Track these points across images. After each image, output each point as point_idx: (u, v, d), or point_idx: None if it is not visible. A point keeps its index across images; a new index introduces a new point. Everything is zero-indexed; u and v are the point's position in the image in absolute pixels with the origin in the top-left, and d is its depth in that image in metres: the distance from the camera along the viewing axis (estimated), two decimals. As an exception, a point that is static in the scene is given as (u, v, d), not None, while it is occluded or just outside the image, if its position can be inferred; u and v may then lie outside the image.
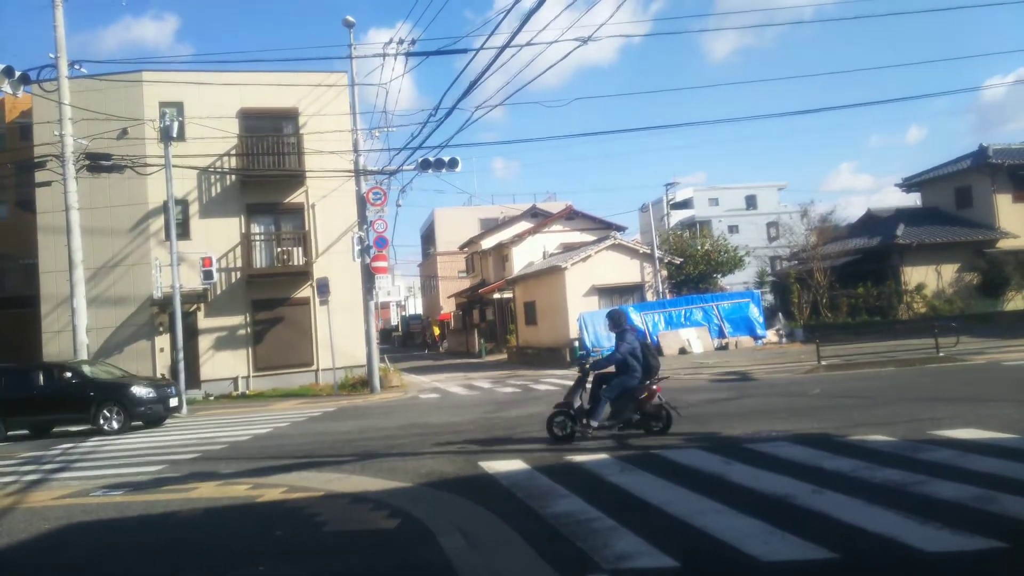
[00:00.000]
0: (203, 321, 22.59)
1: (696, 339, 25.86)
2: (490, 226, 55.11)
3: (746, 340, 26.34)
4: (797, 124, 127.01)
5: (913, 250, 28.60)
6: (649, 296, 27.38)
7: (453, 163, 20.12)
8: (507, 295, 38.97)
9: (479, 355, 37.27)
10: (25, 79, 12.91)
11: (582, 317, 25.33)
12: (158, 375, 21.68)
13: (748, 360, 21.85)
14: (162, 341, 22.33)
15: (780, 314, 28.29)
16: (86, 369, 15.86)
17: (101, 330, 21.75)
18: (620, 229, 41.19)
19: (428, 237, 61.22)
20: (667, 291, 28.41)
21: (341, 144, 22.29)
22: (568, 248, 37.24)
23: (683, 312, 26.40)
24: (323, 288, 21.02)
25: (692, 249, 34.33)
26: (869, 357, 18.28)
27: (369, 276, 20.68)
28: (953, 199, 31.35)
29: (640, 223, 54.78)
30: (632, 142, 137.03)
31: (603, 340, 25.14)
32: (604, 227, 40.19)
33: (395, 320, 76.81)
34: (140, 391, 15.37)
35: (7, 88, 12.69)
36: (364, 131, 21.31)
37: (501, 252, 40.46)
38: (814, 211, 30.21)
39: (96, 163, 18.94)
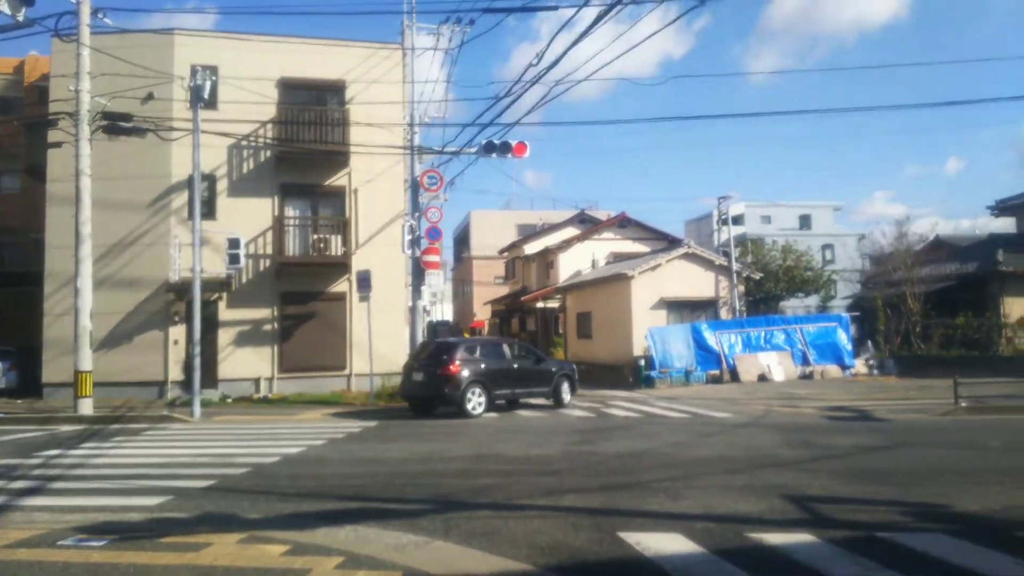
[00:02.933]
0: (224, 312, 19.97)
1: (777, 365, 22.89)
2: (528, 232, 52.44)
3: (832, 369, 23.33)
4: (829, 150, 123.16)
5: (1015, 278, 25.43)
6: (723, 313, 24.46)
7: (521, 147, 17.46)
8: (552, 304, 36.18)
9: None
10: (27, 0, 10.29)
11: (650, 332, 22.47)
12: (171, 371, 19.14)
13: (847, 393, 18.91)
14: (177, 332, 19.73)
15: (869, 342, 25.19)
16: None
17: (108, 315, 19.18)
18: (676, 240, 38.40)
19: (462, 240, 58.68)
20: (743, 309, 25.44)
21: (391, 126, 19.68)
22: (619, 257, 34.45)
23: (763, 334, 23.45)
24: (364, 282, 18.32)
25: (774, 264, 31.23)
26: (998, 400, 15.23)
27: (419, 271, 18.02)
28: (1057, 224, 28.18)
29: (686, 236, 51.87)
30: (675, 154, 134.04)
31: (673, 360, 22.37)
32: (659, 237, 37.44)
33: (420, 325, 74.05)
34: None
35: (5, 7, 10.11)
36: (421, 103, 18.61)
37: (546, 258, 37.69)
38: (911, 229, 26.90)
39: (114, 124, 16.40)
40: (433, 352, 16.01)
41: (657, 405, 17.38)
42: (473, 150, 17.87)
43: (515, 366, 16.39)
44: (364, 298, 18.49)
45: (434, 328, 67.62)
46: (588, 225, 39.19)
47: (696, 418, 14.60)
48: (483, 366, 15.58)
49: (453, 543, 5.77)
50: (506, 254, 45.66)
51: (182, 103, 19.23)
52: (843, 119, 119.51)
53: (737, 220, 60.50)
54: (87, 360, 15.74)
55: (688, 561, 5.21)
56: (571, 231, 38.72)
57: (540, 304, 36.47)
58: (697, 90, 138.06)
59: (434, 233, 17.93)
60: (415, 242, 17.82)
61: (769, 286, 30.17)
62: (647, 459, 9.54)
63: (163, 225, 19.81)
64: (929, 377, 22.18)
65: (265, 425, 14.53)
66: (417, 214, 18.03)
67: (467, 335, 51.85)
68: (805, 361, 23.43)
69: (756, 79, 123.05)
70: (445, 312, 71.45)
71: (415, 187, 18.15)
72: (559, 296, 35.24)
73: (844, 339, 23.89)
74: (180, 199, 19.84)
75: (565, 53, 11.05)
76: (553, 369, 17.36)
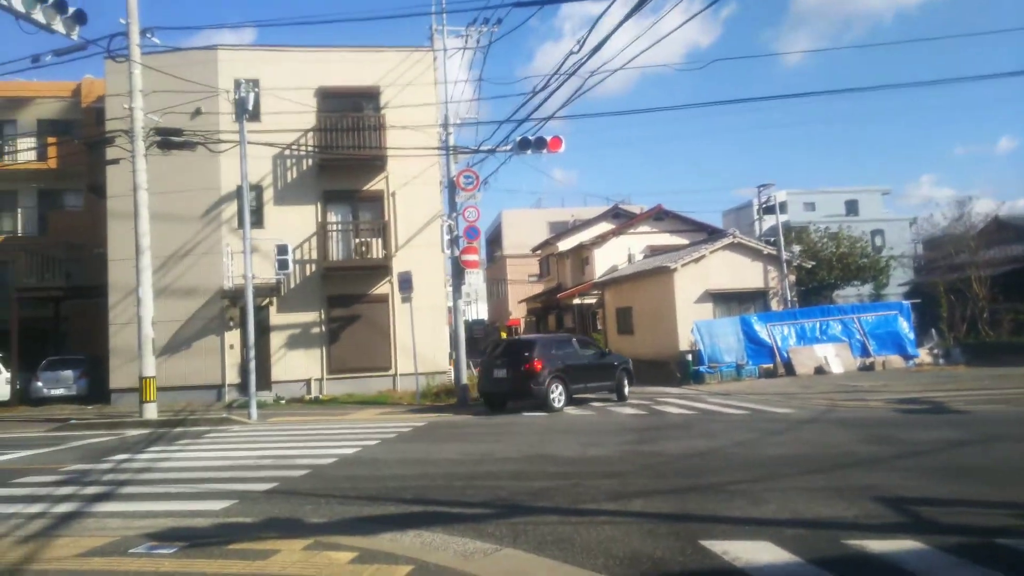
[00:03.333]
0: (275, 317, 20.37)
1: (835, 357, 22.36)
2: (559, 230, 52.26)
3: (895, 360, 22.69)
4: (871, 133, 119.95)
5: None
6: (774, 305, 23.98)
7: (556, 142, 17.37)
8: (588, 300, 36.01)
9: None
10: (80, 17, 10.59)
11: (697, 326, 22.17)
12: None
13: (914, 384, 18.32)
14: (232, 337, 20.20)
15: (933, 330, 24.36)
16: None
17: (168, 323, 19.74)
18: (716, 232, 37.79)
19: (494, 240, 58.77)
20: (795, 299, 24.87)
21: (425, 128, 19.80)
22: (656, 251, 34.05)
23: (818, 325, 22.94)
24: (406, 283, 18.47)
25: (826, 251, 30.45)
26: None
27: (458, 271, 18.07)
28: None
29: (725, 227, 51.06)
30: (709, 144, 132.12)
31: (722, 354, 22.05)
32: (698, 229, 36.89)
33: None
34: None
35: (60, 27, 10.42)
36: (453, 103, 18.65)
37: (580, 254, 37.51)
38: (974, 209, 25.83)
39: (166, 139, 16.84)
40: (514, 349, 16.51)
41: (711, 401, 17.12)
42: (508, 148, 17.83)
43: (585, 361, 16.87)
44: (406, 299, 18.64)
45: (470, 328, 68.02)
46: (622, 220, 38.85)
47: (756, 414, 14.32)
48: (560, 362, 16.05)
49: (523, 551, 5.71)
50: (539, 252, 45.57)
51: (228, 116, 19.68)
52: (884, 100, 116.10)
53: (779, 208, 59.47)
54: (151, 366, 16.19)
55: (785, 572, 4.98)
56: (605, 226, 38.44)
57: (577, 300, 36.29)
58: (727, 79, 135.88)
59: (472, 232, 17.95)
60: (454, 242, 17.88)
61: (822, 275, 29.38)
62: (714, 459, 9.39)
63: (215, 235, 20.27)
64: (1002, 365, 21.38)
65: (318, 426, 14.77)
66: (454, 214, 18.09)
67: (503, 334, 51.95)
68: (864, 352, 22.84)
69: (789, 64, 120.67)
70: (479, 311, 71.75)
71: (452, 187, 18.21)
72: (596, 292, 35.02)
73: (906, 327, 23.22)
74: (230, 209, 20.28)
75: (609, 36, 10.90)
76: (615, 363, 17.72)
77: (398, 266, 20.16)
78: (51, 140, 25.48)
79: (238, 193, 20.06)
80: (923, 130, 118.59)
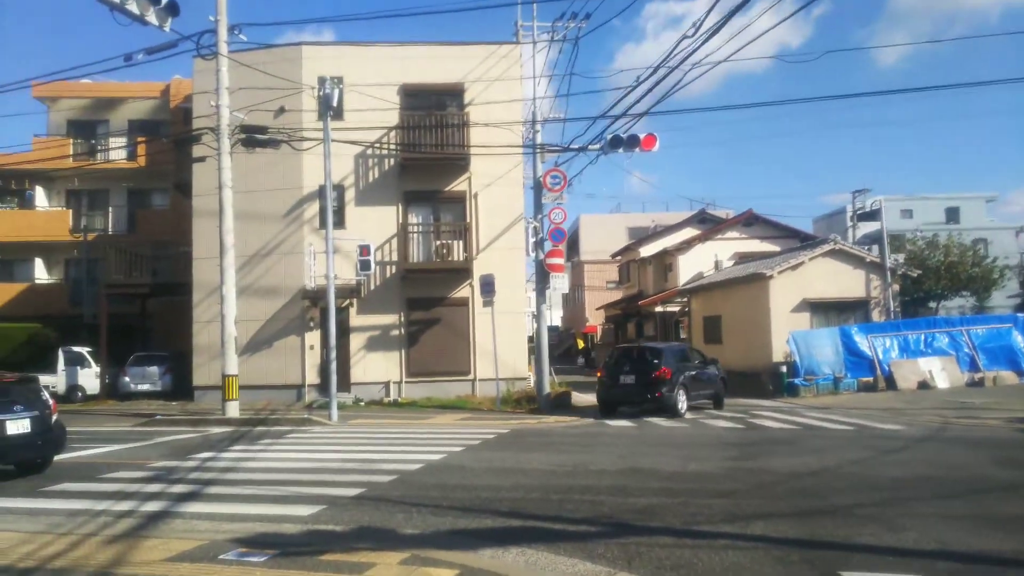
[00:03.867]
0: (355, 319, 20.24)
1: (940, 371, 20.80)
2: (639, 235, 51.09)
3: (1007, 376, 20.95)
4: (972, 136, 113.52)
5: None
6: (876, 315, 22.49)
7: (650, 139, 16.63)
8: (671, 308, 34.88)
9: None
10: (173, 8, 10.53)
11: (793, 336, 20.97)
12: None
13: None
14: (312, 338, 20.17)
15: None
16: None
17: (250, 323, 19.87)
18: (809, 238, 36.15)
19: (572, 245, 57.93)
20: (898, 310, 23.34)
21: (510, 126, 19.34)
22: (745, 258, 32.74)
23: (923, 337, 21.42)
24: (488, 287, 18.02)
25: (933, 260, 28.63)
26: None
27: (543, 274, 17.53)
28: None
29: (816, 234, 48.96)
30: (796, 149, 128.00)
31: (819, 366, 20.81)
32: (790, 235, 35.39)
33: (528, 331, 73.93)
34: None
35: (152, 19, 10.38)
36: (540, 99, 18.12)
37: (663, 261, 36.41)
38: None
39: (251, 136, 16.91)
40: (643, 356, 16.74)
41: (809, 416, 16.04)
42: (598, 146, 17.18)
43: (696, 371, 17.30)
44: (488, 303, 18.18)
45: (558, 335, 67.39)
46: (709, 225, 37.57)
47: (862, 430, 13.26)
48: (683, 370, 16.59)
49: (642, 577, 5.11)
50: (619, 258, 44.61)
51: (311, 114, 19.71)
52: (986, 99, 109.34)
53: (874, 215, 56.67)
54: (233, 365, 16.24)
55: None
56: (690, 231, 37.22)
57: (659, 308, 35.23)
58: (819, 78, 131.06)
59: (558, 235, 17.37)
60: (539, 244, 17.35)
61: (928, 284, 27.56)
62: (831, 479, 8.51)
63: (297, 234, 20.31)
64: None
65: (399, 429, 14.42)
66: (540, 215, 17.55)
67: (580, 342, 51.07)
68: (973, 367, 21.19)
69: (886, 64, 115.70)
70: (553, 318, 70.87)
71: (538, 188, 17.68)
72: (680, 300, 33.89)
73: (1020, 341, 21.46)
74: (312, 209, 20.30)
75: (729, 17, 10.15)
76: (717, 372, 18.29)
77: (479, 269, 19.75)
78: (140, 140, 26.24)
79: (320, 192, 20.13)
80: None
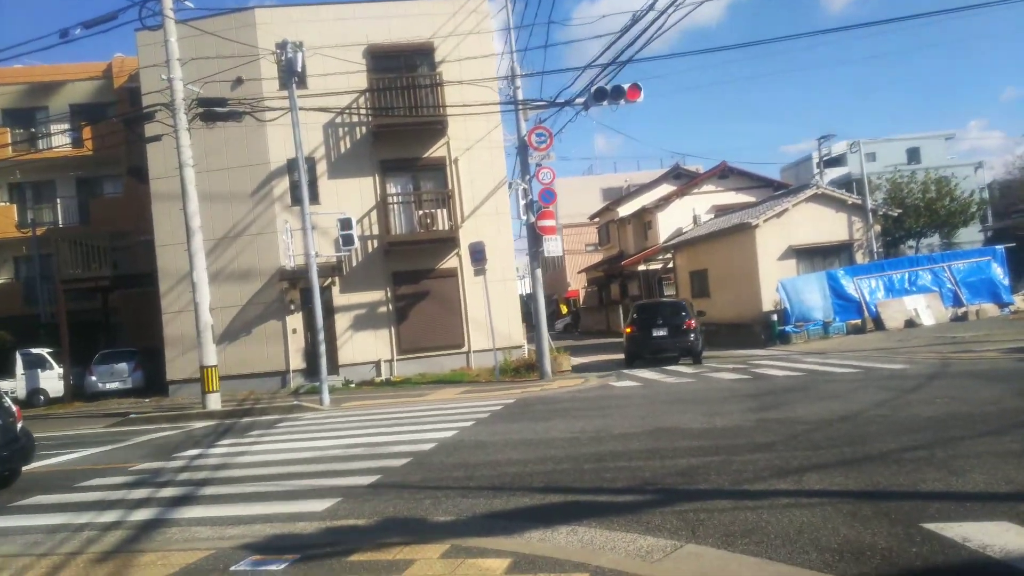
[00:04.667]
0: (338, 297, 19.44)
1: (925, 308, 20.73)
2: (614, 196, 50.68)
3: (989, 308, 20.98)
4: (922, 79, 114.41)
5: None
6: (859, 258, 22.32)
7: (635, 90, 15.93)
8: (654, 266, 34.57)
9: (625, 334, 32.92)
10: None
11: (782, 284, 20.69)
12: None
13: (1021, 332, 16.75)
14: (294, 321, 19.35)
15: (1033, 275, 22.55)
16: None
17: (225, 309, 18.98)
18: (782, 186, 35.96)
19: (543, 209, 57.27)
20: (881, 251, 23.19)
21: (487, 83, 18.47)
22: (722, 210, 32.47)
23: (906, 276, 21.31)
24: (479, 255, 17.32)
25: (912, 197, 28.52)
26: None
27: (535, 238, 16.85)
28: None
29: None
30: (755, 94, 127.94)
31: (810, 312, 20.58)
32: (764, 185, 35.23)
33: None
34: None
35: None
36: (520, 53, 17.26)
37: (642, 219, 36.02)
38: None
39: (210, 110, 15.86)
40: (668, 312, 18.80)
41: (808, 361, 15.79)
42: (581, 100, 16.43)
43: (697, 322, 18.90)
44: (479, 271, 17.51)
45: (525, 303, 67.16)
46: (684, 180, 37.20)
47: (869, 372, 12.96)
48: (696, 321, 18.72)
49: (712, 547, 4.59)
50: (597, 219, 44.11)
51: (271, 83, 18.70)
52: (933, 33, 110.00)
53: (839, 160, 56.96)
54: (211, 355, 15.41)
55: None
56: (666, 188, 36.84)
57: (642, 267, 34.90)
58: (766, 27, 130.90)
59: (548, 196, 16.67)
60: (529, 207, 16.67)
61: (910, 223, 27.49)
62: (863, 424, 8.10)
63: (267, 213, 19.35)
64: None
65: (398, 408, 13.78)
66: (528, 177, 16.85)
67: (563, 307, 50.69)
68: (956, 302, 21.17)
69: (836, 9, 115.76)
70: (527, 284, 70.46)
71: (523, 147, 16.93)
72: (662, 256, 33.56)
73: (1000, 274, 21.46)
74: (281, 185, 19.33)
75: None
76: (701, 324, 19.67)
77: (465, 237, 19.05)
78: (85, 124, 24.72)
79: (289, 167, 19.18)
80: (970, 71, 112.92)
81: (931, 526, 4.54)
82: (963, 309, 20.95)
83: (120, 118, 20.15)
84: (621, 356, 19.60)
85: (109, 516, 6.80)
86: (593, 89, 16.00)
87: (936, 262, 22.07)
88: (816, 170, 48.98)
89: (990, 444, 6.62)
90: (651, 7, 11.79)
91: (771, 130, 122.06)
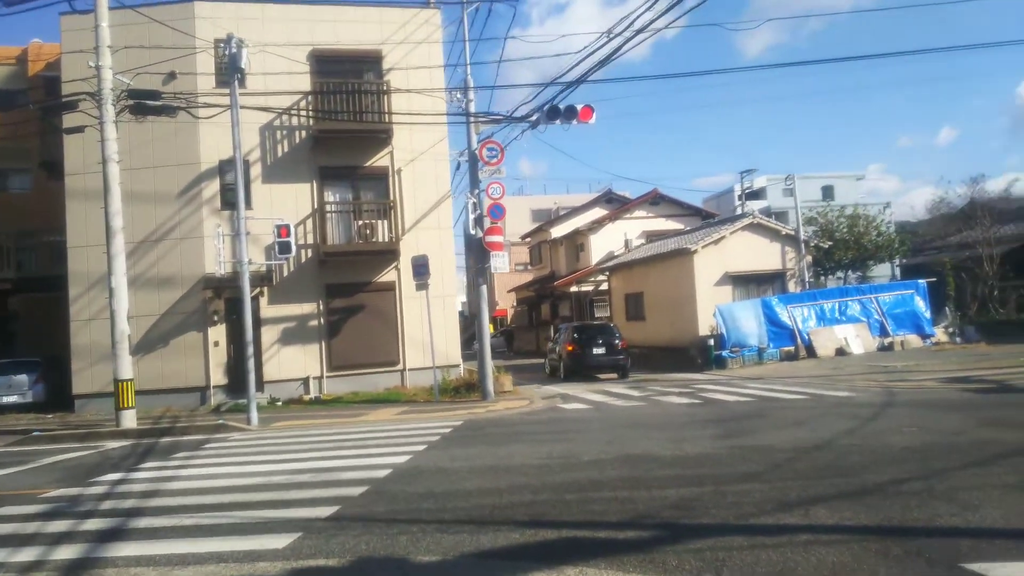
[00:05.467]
0: (266, 309, 18.32)
1: (855, 337, 21.33)
2: (543, 217, 50.78)
3: (912, 339, 21.80)
4: (824, 124, 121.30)
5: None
6: (792, 286, 22.84)
7: (587, 111, 15.77)
8: (586, 288, 34.61)
9: (556, 355, 32.69)
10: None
11: (719, 310, 20.87)
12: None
13: (947, 363, 17.44)
14: (216, 333, 18.09)
15: (947, 309, 23.60)
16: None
17: (140, 318, 17.54)
18: (710, 215, 36.83)
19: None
20: (811, 280, 23.83)
21: (433, 93, 17.94)
22: (653, 236, 32.97)
23: (837, 305, 21.89)
24: (422, 268, 16.69)
25: (841, 231, 29.51)
26: None
27: (482, 253, 16.33)
28: None
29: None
30: (671, 136, 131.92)
31: (746, 337, 20.81)
32: (693, 213, 36.07)
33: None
34: None
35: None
36: (473, 66, 16.84)
37: (575, 241, 36.10)
38: (979, 188, 25.13)
39: (141, 103, 14.70)
40: (603, 333, 21.49)
41: (751, 386, 15.86)
42: (534, 117, 16.14)
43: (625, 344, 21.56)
44: (422, 286, 16.85)
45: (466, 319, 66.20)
46: (615, 205, 37.60)
47: (818, 399, 13.04)
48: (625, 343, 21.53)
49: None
50: (529, 239, 44.01)
51: (206, 79, 17.61)
52: (842, 96, 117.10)
53: (758, 194, 59.01)
54: (127, 367, 14.12)
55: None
56: (599, 211, 37.15)
57: (574, 288, 34.90)
58: (688, 63, 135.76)
59: (497, 211, 16.22)
60: (478, 221, 16.18)
61: (839, 255, 28.46)
62: (844, 454, 7.93)
63: (195, 216, 18.10)
64: (1019, 343, 20.76)
65: (337, 429, 12.91)
66: (477, 191, 16.37)
67: (491, 326, 50.17)
68: (883, 332, 21.88)
69: (751, 55, 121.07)
70: (458, 304, 69.55)
71: (473, 161, 16.46)
72: (593, 279, 33.65)
73: (922, 306, 22.35)
74: (211, 187, 18.14)
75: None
76: None
77: (406, 250, 18.35)
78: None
79: (220, 169, 18.08)
80: (872, 124, 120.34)
81: (974, 566, 4.29)
82: (889, 339, 21.67)
83: (37, 106, 18.40)
84: (565, 380, 21.08)
85: (24, 556, 5.81)
86: (547, 108, 15.74)
87: (864, 293, 22.82)
88: (738, 202, 50.77)
89: (983, 476, 6.52)
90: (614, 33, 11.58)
91: (692, 161, 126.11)
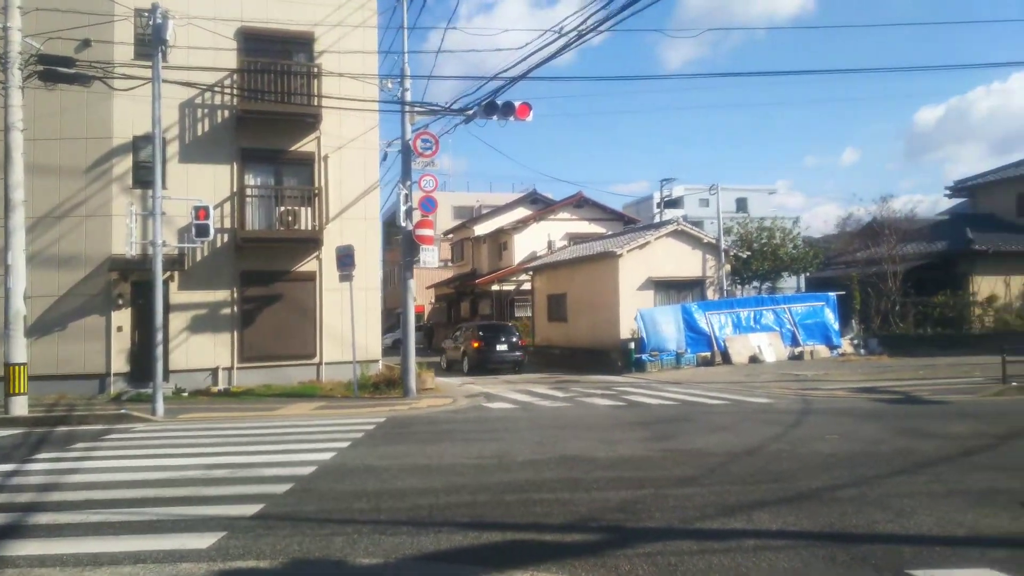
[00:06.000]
0: (176, 295, 17.34)
1: (768, 346, 22.07)
2: (465, 214, 50.53)
3: (821, 349, 22.76)
4: (737, 138, 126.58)
5: (986, 258, 25.54)
6: (711, 294, 23.42)
7: (525, 108, 15.64)
8: (507, 287, 34.58)
9: (475, 354, 32.48)
10: None
11: (641, 314, 21.17)
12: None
13: (855, 374, 18.28)
14: (121, 318, 16.98)
15: (853, 321, 24.75)
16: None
17: (37, 299, 16.27)
18: (632, 221, 37.50)
19: (393, 222, 55.84)
20: (730, 289, 24.53)
21: (366, 83, 17.42)
22: (576, 238, 33.32)
23: (752, 314, 22.58)
24: (347, 260, 16.18)
25: (759, 242, 30.44)
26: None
27: (411, 247, 15.96)
28: (1015, 205, 28.57)
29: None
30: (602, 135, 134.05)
31: (665, 342, 21.20)
32: (616, 218, 36.65)
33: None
34: None
35: None
36: (410, 55, 16.40)
37: (499, 240, 36.03)
38: (887, 207, 26.43)
39: (52, 69, 13.64)
40: (504, 331, 23.62)
41: (672, 390, 16.14)
42: (471, 112, 15.89)
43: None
44: (346, 277, 16.33)
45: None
46: (540, 206, 37.78)
47: (739, 404, 13.35)
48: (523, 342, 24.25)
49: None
50: (452, 236, 43.63)
51: (124, 49, 16.50)
52: (757, 113, 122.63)
53: (676, 202, 60.71)
54: (21, 350, 13.11)
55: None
56: (523, 211, 37.24)
57: (496, 287, 34.80)
58: (613, 69, 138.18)
59: (429, 203, 15.87)
60: (409, 214, 15.80)
61: (756, 265, 29.39)
62: (774, 460, 8.07)
63: (102, 194, 16.92)
64: (916, 356, 22.02)
65: (251, 423, 12.30)
66: (409, 182, 15.99)
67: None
68: (794, 341, 22.73)
69: (671, 66, 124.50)
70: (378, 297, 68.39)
71: (408, 151, 16.05)
72: (516, 278, 33.65)
73: (832, 318, 23.35)
74: (123, 163, 17.01)
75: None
76: None
77: (329, 240, 17.76)
78: None
79: (135, 144, 17.03)
80: (781, 143, 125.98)
81: (919, 573, 4.38)
82: (800, 349, 22.53)
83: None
84: (488, 377, 21.80)
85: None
86: (484, 102, 15.52)
87: (778, 303, 23.64)
88: (656, 209, 52.00)
89: (910, 484, 6.73)
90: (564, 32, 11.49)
91: (612, 167, 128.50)
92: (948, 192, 32.18)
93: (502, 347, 22.59)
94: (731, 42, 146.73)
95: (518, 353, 22.88)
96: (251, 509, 6.32)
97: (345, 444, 9.75)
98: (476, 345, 22.79)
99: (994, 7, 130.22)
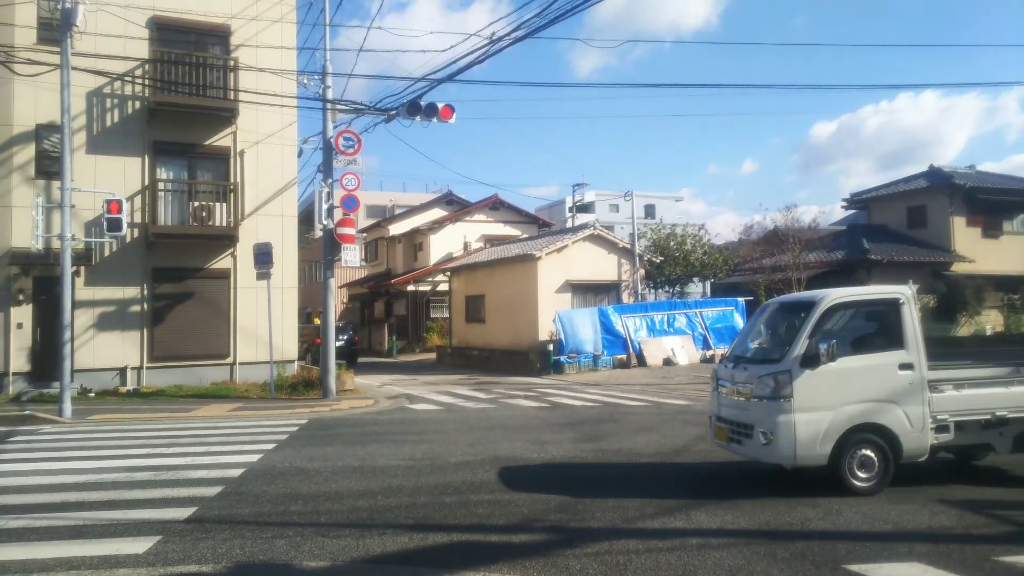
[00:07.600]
0: (82, 291, 16.45)
1: (681, 349, 22.89)
2: (378, 213, 49.98)
3: (729, 352, 23.73)
4: (644, 143, 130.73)
5: (881, 266, 27.31)
6: (626, 297, 24.09)
7: (448, 110, 15.74)
8: (423, 288, 34.45)
9: (390, 354, 32.29)
10: None
11: (559, 316, 21.56)
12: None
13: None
14: (21, 314, 15.98)
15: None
16: None
17: (-76, 294, 15.15)
18: (546, 225, 38.09)
19: (306, 219, 54.57)
20: (644, 293, 25.30)
21: (284, 78, 17.08)
22: (492, 240, 33.58)
23: (666, 318, 23.36)
24: (265, 257, 15.80)
25: (672, 248, 31.38)
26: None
27: (332, 245, 15.75)
28: (905, 218, 30.69)
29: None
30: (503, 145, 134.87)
31: (583, 344, 21.68)
32: (530, 221, 37.11)
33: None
34: None
35: None
36: (331, 52, 16.23)
37: (414, 240, 35.86)
38: (794, 217, 27.81)
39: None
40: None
41: (592, 392, 16.54)
42: (394, 111, 15.84)
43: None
44: (263, 275, 15.94)
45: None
46: (456, 207, 37.84)
47: (660, 406, 13.84)
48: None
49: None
50: (365, 235, 43.01)
51: (27, 32, 15.61)
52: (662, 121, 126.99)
53: (588, 207, 61.93)
54: (-92, 350, 12.16)
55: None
56: (438, 212, 37.20)
57: (411, 287, 34.61)
58: (527, 75, 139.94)
59: (351, 202, 15.67)
60: (330, 212, 15.58)
61: (669, 270, 30.35)
62: (705, 459, 8.47)
63: (3, 183, 15.88)
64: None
65: (164, 425, 11.86)
66: (331, 180, 15.77)
67: (317, 320, 48.48)
68: (706, 345, 23.62)
69: (581, 73, 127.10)
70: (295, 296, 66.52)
71: (329, 149, 15.81)
72: (432, 279, 33.58)
73: (740, 322, 24.36)
74: (25, 154, 16.00)
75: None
76: None
77: (245, 237, 17.28)
78: None
79: (38, 133, 16.09)
80: (684, 152, 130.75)
81: (855, 567, 4.71)
82: (711, 352, 23.42)
83: None
84: (406, 377, 21.52)
85: None
86: (407, 103, 15.50)
87: (691, 308, 24.53)
88: (568, 214, 52.96)
89: (834, 483, 7.13)
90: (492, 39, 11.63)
91: (524, 170, 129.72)
92: (845, 204, 34.17)
93: (338, 343, 22.85)
94: (639, 53, 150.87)
95: (355, 347, 28.35)
96: (183, 512, 6.17)
97: (270, 446, 9.58)
98: (317, 342, 22.83)
99: (889, 32, 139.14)
